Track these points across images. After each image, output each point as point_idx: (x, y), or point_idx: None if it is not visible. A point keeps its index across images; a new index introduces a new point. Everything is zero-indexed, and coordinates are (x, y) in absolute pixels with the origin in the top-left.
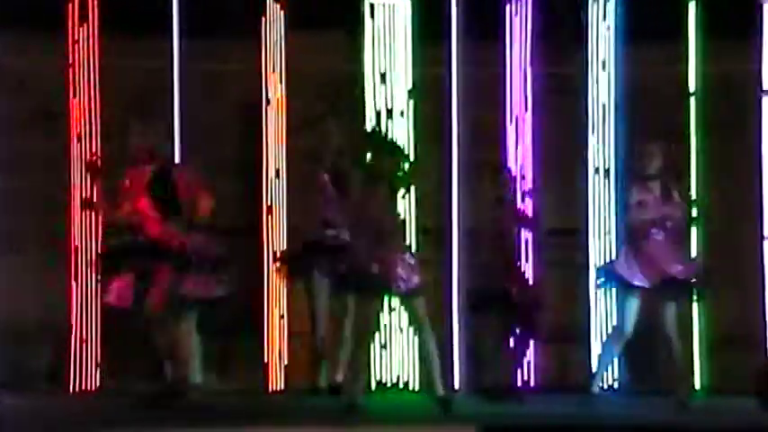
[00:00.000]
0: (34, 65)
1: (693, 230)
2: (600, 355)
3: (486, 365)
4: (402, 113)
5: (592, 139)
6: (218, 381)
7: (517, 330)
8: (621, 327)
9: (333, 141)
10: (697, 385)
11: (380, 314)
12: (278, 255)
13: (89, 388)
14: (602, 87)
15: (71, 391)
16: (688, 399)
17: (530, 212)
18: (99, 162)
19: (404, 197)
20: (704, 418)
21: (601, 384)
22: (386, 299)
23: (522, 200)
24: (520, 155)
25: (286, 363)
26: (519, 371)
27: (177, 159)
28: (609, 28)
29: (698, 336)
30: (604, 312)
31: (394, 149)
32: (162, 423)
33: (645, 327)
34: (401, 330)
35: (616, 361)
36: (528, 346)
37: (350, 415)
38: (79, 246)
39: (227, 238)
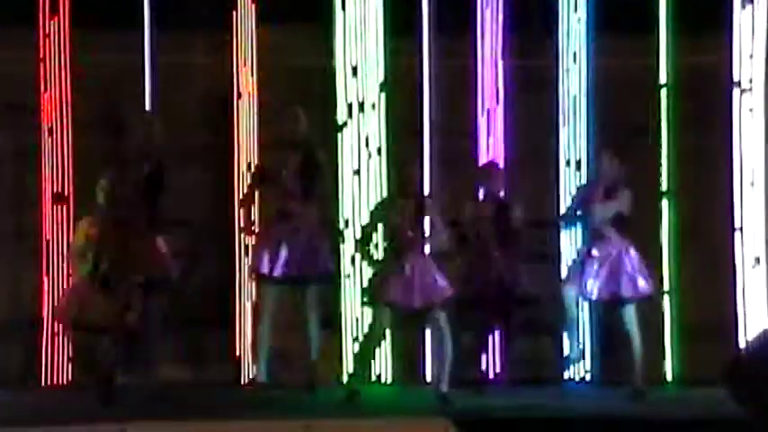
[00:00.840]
0: (4, 58)
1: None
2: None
3: (460, 359)
4: (374, 106)
5: (563, 132)
6: (190, 373)
7: (495, 326)
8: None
9: (301, 129)
10: (668, 376)
11: None
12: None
13: (61, 382)
14: (572, 79)
15: (43, 385)
16: (646, 388)
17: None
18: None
19: None
20: (675, 409)
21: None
22: None
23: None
24: (491, 147)
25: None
26: (490, 363)
27: None
28: (580, 20)
29: (669, 326)
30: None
31: None
32: (134, 415)
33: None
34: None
35: (588, 352)
36: (507, 341)
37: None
38: (51, 240)
39: (198, 230)
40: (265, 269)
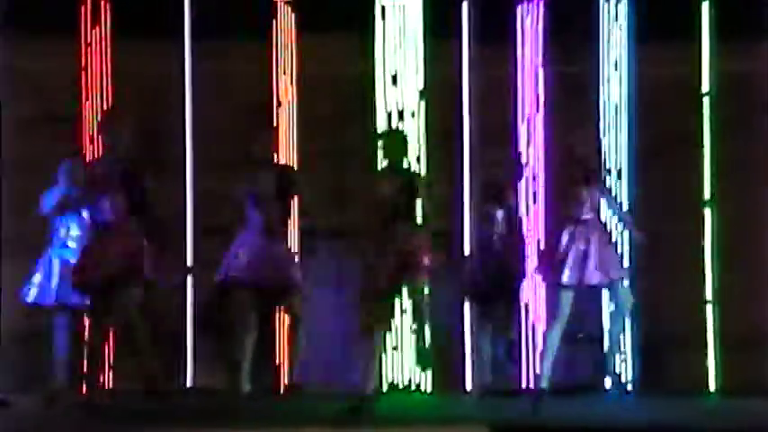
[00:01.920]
0: (47, 67)
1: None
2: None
3: (491, 367)
4: (413, 114)
5: (603, 140)
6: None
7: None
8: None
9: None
10: (711, 387)
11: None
12: None
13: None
14: (613, 87)
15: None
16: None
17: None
18: None
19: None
20: (718, 420)
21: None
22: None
23: (534, 200)
24: (531, 155)
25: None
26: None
27: (189, 161)
28: (621, 28)
29: (712, 337)
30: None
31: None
32: (170, 423)
33: (653, 328)
34: (412, 332)
35: (630, 362)
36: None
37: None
38: None
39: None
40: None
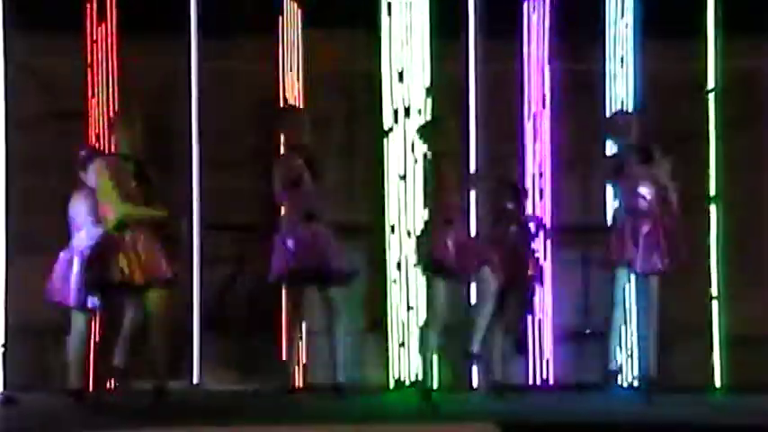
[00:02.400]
0: (53, 65)
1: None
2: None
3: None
4: (420, 111)
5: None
6: (238, 380)
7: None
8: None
9: (305, 129)
10: (717, 383)
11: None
12: None
13: (108, 387)
14: (620, 84)
15: (89, 390)
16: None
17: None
18: None
19: None
20: (723, 416)
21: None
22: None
23: (540, 196)
24: (537, 152)
25: (305, 362)
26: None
27: (195, 159)
28: (627, 24)
29: (717, 333)
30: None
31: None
32: (178, 422)
33: (659, 325)
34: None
35: (636, 359)
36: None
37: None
38: None
39: (245, 236)
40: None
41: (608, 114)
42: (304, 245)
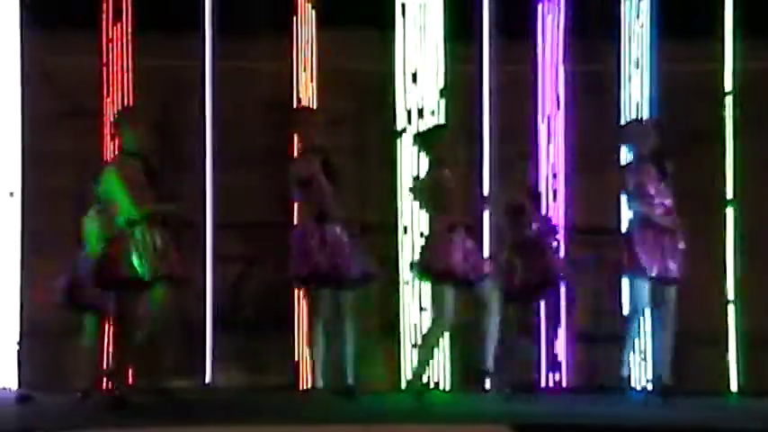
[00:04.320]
0: (68, 63)
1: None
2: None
3: (510, 363)
4: (433, 112)
5: None
6: (249, 378)
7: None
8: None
9: (320, 129)
10: (733, 386)
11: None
12: None
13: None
14: (635, 85)
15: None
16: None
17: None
18: None
19: None
20: (739, 420)
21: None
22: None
23: (554, 198)
24: (552, 153)
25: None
26: (549, 370)
27: (209, 157)
28: (642, 25)
29: (733, 336)
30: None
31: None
32: (189, 419)
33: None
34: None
35: (651, 362)
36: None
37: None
38: None
39: (258, 235)
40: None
41: (623, 122)
42: (317, 246)
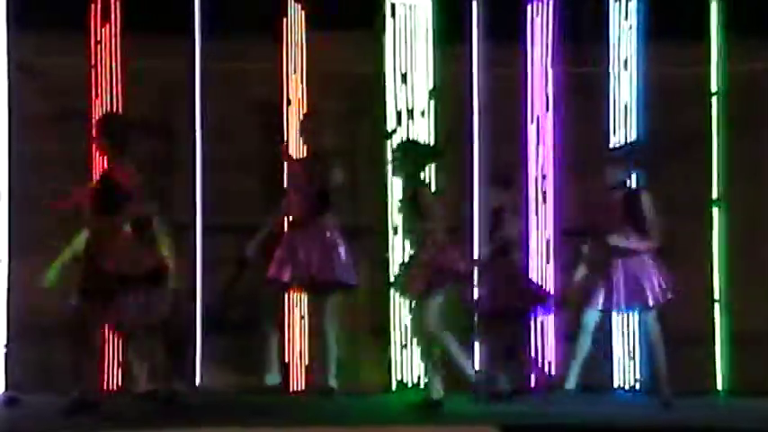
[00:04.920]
0: (56, 64)
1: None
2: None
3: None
4: (423, 113)
5: (613, 139)
6: (238, 380)
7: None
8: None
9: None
10: (719, 386)
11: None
12: None
13: (111, 388)
14: (623, 87)
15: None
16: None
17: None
18: None
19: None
20: (725, 420)
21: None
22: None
23: (544, 200)
24: (541, 155)
25: (307, 363)
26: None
27: (198, 159)
28: (631, 27)
29: (719, 336)
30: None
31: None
32: (178, 422)
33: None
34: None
35: (639, 361)
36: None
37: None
38: None
39: (250, 237)
40: (286, 277)
41: (610, 146)
42: (304, 252)
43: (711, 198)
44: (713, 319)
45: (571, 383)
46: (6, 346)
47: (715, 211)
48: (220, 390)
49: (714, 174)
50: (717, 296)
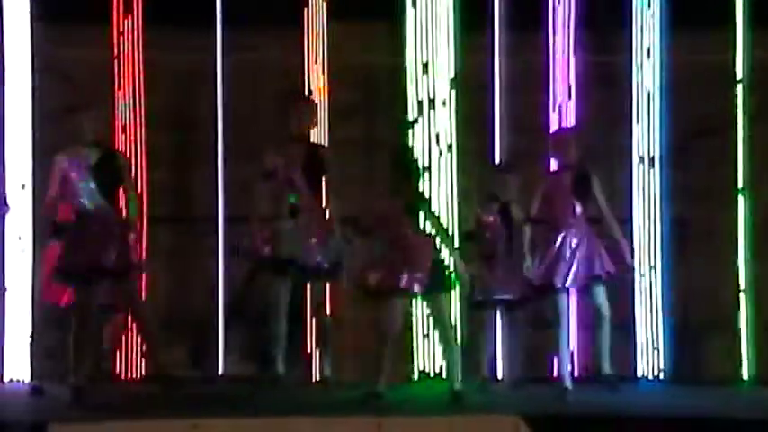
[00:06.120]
0: (79, 56)
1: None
2: None
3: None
4: (444, 103)
5: (636, 128)
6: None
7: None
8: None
9: (308, 119)
10: (744, 375)
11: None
12: None
13: (134, 376)
14: (646, 75)
15: (116, 379)
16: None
17: None
18: None
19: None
20: (751, 408)
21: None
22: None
23: None
24: None
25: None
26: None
27: (220, 151)
28: (653, 14)
29: (745, 325)
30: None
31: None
32: (200, 411)
33: (687, 316)
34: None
35: (662, 350)
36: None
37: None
38: None
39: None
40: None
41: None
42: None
43: (736, 186)
44: (738, 307)
45: (606, 369)
46: (31, 336)
47: (740, 198)
48: (242, 379)
49: (739, 162)
50: (742, 285)
